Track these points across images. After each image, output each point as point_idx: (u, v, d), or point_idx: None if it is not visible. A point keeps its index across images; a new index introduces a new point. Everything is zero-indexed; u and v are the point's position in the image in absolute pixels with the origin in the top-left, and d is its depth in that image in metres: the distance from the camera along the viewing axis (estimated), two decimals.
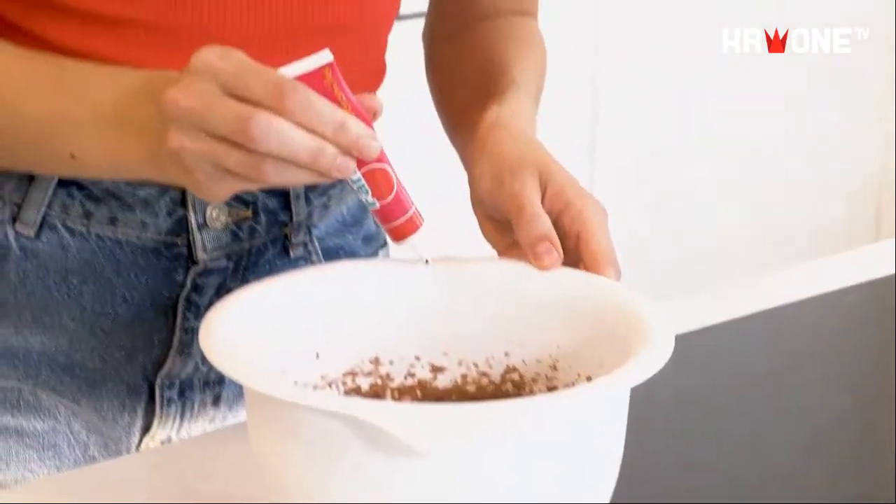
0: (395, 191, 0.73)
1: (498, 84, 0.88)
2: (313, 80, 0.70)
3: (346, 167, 0.69)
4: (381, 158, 0.72)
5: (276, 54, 0.72)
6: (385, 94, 0.83)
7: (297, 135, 0.68)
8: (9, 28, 0.81)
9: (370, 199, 0.73)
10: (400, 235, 0.74)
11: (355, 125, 0.69)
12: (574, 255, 0.76)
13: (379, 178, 0.72)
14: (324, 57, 0.70)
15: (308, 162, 0.68)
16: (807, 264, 1.22)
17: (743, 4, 2.50)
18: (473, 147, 0.83)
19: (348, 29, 0.86)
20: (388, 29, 0.92)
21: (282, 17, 0.83)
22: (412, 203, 0.74)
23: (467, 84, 0.92)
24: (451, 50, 0.96)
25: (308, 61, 0.70)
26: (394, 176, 0.73)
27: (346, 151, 0.69)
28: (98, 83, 0.76)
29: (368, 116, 0.71)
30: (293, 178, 0.69)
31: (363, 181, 0.72)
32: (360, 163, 0.71)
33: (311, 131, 0.68)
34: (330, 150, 0.69)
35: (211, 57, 0.69)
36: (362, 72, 0.88)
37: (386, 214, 0.74)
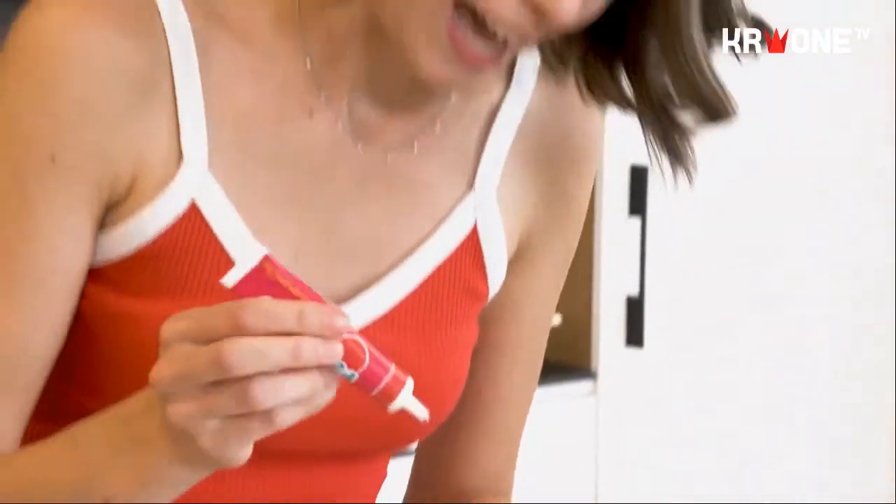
0: (367, 353, 0.77)
1: None
2: (256, 278, 0.77)
3: (331, 352, 0.77)
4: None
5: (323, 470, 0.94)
6: None
7: (268, 344, 0.76)
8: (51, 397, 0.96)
9: (348, 371, 0.77)
10: (390, 396, 0.78)
11: (312, 309, 0.76)
12: None
13: (350, 346, 0.77)
14: (258, 253, 0.78)
15: (291, 361, 0.76)
16: None
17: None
18: None
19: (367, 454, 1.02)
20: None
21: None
22: (389, 360, 0.79)
23: None
24: None
25: (245, 263, 0.78)
26: (360, 339, 0.78)
27: (317, 336, 0.77)
28: (104, 423, 0.87)
29: (317, 294, 0.78)
30: (286, 393, 0.76)
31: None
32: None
33: (279, 334, 0.76)
34: (306, 342, 0.76)
35: (171, 325, 0.79)
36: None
37: (369, 379, 0.77)
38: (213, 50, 0.96)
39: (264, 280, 0.77)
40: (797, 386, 2.69)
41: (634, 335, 2.39)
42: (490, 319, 1.07)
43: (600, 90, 1.00)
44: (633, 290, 2.38)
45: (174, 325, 0.80)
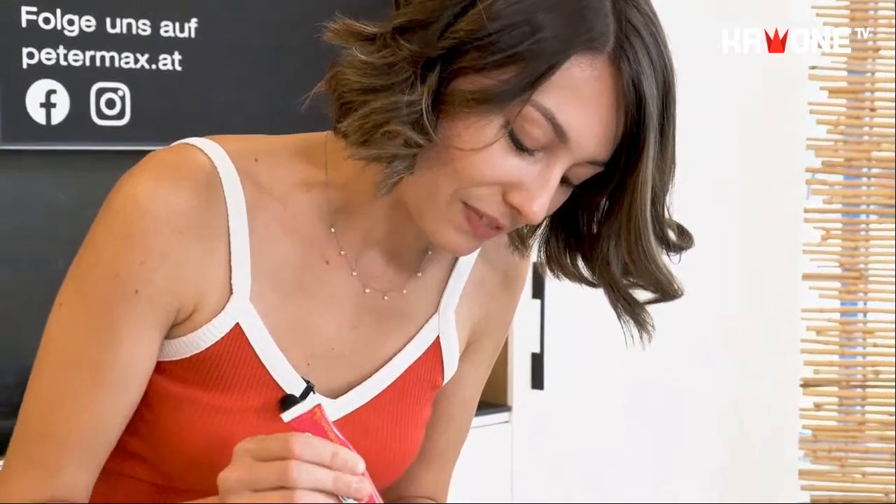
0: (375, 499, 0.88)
1: None
2: (308, 418, 0.89)
3: (361, 488, 0.87)
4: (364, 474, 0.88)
5: None
6: None
7: (320, 470, 0.86)
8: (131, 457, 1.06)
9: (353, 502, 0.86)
10: None
11: (344, 452, 0.87)
12: None
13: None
14: (313, 400, 0.91)
15: (332, 486, 0.86)
16: None
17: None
18: None
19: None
20: None
21: None
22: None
23: None
24: None
25: (303, 405, 0.90)
26: (372, 490, 0.88)
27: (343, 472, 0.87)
28: None
29: (349, 444, 0.90)
30: (314, 499, 0.86)
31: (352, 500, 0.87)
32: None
33: (318, 464, 0.86)
34: (346, 476, 0.86)
35: (242, 444, 0.89)
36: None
37: None
38: (259, 210, 1.02)
39: (312, 421, 0.89)
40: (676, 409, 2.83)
41: (537, 381, 2.63)
42: (439, 395, 1.17)
43: (557, 265, 1.05)
44: (536, 348, 2.59)
45: (243, 445, 0.88)
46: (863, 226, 2.92)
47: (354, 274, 1.05)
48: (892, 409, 2.88)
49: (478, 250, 1.09)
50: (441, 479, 1.22)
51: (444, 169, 0.95)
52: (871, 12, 2.82)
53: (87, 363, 0.98)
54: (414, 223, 1.01)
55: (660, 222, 0.97)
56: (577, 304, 2.45)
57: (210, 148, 1.00)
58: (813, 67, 2.86)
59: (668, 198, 0.98)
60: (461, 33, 0.91)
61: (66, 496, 0.99)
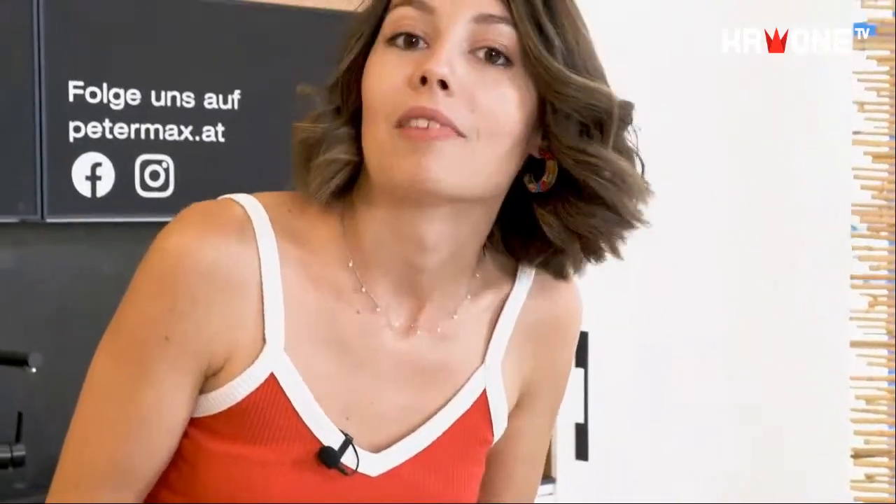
0: None
1: None
2: None
3: None
4: None
5: None
6: None
7: None
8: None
9: None
10: None
11: None
12: None
13: None
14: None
15: None
16: None
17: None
18: None
19: None
20: None
21: None
22: None
23: None
24: None
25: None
26: None
27: None
28: None
29: None
30: None
31: None
32: None
33: None
34: None
35: None
36: None
37: None
38: (291, 260, 1.03)
39: None
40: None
41: (582, 451, 2.64)
42: (496, 450, 1.16)
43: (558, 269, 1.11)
44: (580, 418, 2.59)
45: None
46: None
47: (386, 322, 1.06)
48: None
49: (523, 299, 1.11)
50: None
51: (367, 113, 1.01)
52: None
53: (119, 403, 1.02)
54: (431, 261, 1.04)
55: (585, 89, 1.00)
56: (621, 372, 2.63)
57: (245, 200, 1.04)
58: (857, 133, 2.86)
59: (588, 61, 1.02)
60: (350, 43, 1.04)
61: None
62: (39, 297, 2.37)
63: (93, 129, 2.35)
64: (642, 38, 2.45)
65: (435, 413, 1.09)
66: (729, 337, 2.68)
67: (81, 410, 1.05)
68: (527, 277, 1.12)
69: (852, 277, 2.92)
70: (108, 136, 2.36)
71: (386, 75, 0.99)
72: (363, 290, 1.05)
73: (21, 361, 2.16)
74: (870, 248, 2.93)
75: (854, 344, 2.91)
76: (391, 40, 1.00)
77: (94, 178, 2.35)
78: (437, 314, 1.09)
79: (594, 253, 1.06)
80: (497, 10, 0.99)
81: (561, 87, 0.99)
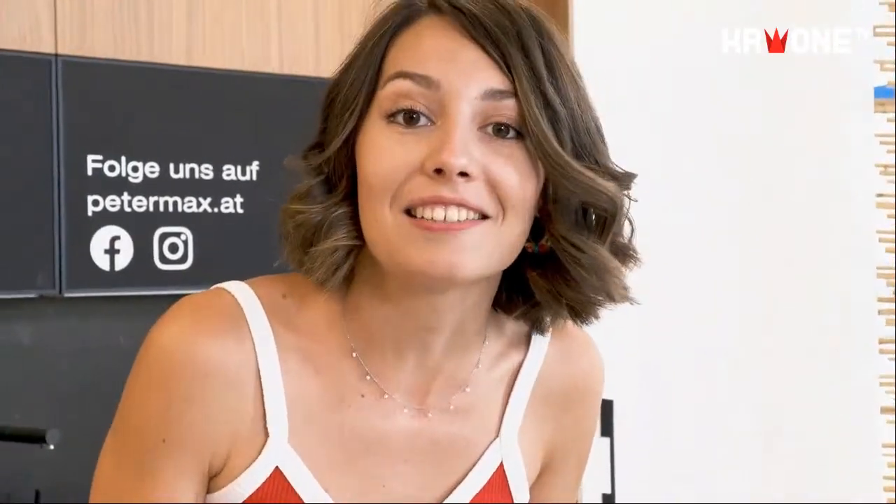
0: None
1: None
2: None
3: None
4: None
5: None
6: None
7: None
8: None
9: None
10: None
11: None
12: None
13: None
14: None
15: None
16: None
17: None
18: None
19: None
20: None
21: None
22: None
23: None
24: None
25: None
26: None
27: None
28: None
29: None
30: None
31: None
32: None
33: None
34: None
35: None
36: None
37: None
38: (289, 349, 1.02)
39: None
40: None
41: None
42: None
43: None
44: (607, 489, 2.53)
45: None
46: None
47: (394, 405, 1.05)
48: None
49: (538, 365, 1.10)
50: None
51: (369, 194, 0.97)
52: None
53: None
54: (440, 338, 1.03)
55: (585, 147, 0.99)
56: (647, 440, 2.60)
57: (238, 289, 1.02)
58: (880, 195, 2.84)
59: (590, 120, 1.00)
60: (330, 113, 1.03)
61: None
62: (58, 372, 2.36)
63: (111, 203, 2.36)
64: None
65: (451, 491, 1.08)
66: (761, 399, 2.68)
67: None
68: (541, 343, 1.11)
69: (880, 342, 2.87)
70: (127, 209, 2.37)
71: (388, 156, 0.96)
72: (367, 377, 1.04)
73: (39, 438, 2.14)
74: None
75: (884, 410, 2.85)
76: (391, 116, 0.97)
77: (112, 252, 2.35)
78: (447, 389, 1.07)
79: (579, 317, 1.05)
80: (504, 84, 0.97)
81: (563, 178, 0.97)
